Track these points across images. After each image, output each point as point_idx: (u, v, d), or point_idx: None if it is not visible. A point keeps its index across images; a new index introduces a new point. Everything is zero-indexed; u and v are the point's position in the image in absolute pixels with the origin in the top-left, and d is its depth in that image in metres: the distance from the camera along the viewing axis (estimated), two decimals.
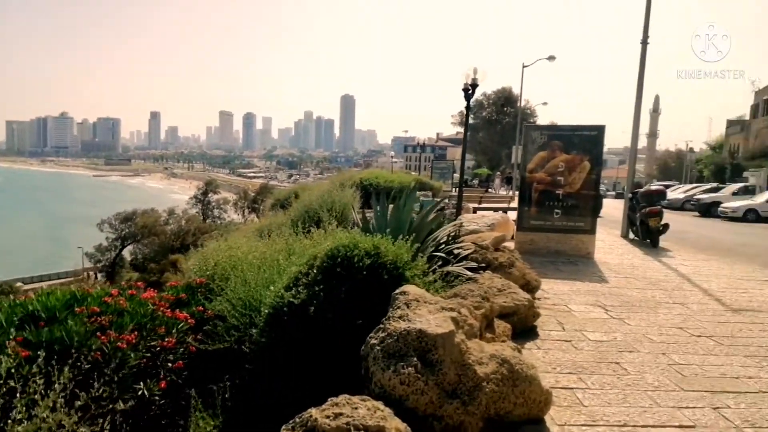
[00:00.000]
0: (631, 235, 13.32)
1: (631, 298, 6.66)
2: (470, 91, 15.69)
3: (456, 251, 5.99)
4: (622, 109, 13.95)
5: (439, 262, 5.43)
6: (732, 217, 24.25)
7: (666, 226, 12.07)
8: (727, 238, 16.03)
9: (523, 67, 36.14)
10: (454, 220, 9.09)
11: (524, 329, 4.95)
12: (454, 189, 23.64)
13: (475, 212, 15.28)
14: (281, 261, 5.20)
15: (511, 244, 9.91)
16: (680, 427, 3.21)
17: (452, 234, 6.48)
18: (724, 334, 5.21)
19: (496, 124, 57.82)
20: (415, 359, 2.75)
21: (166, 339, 4.35)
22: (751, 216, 23.85)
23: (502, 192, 34.50)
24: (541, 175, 10.02)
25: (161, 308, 4.51)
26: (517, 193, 16.42)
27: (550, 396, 3.15)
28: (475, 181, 49.48)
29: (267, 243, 6.52)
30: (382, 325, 3.05)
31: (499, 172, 52.29)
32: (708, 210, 27.20)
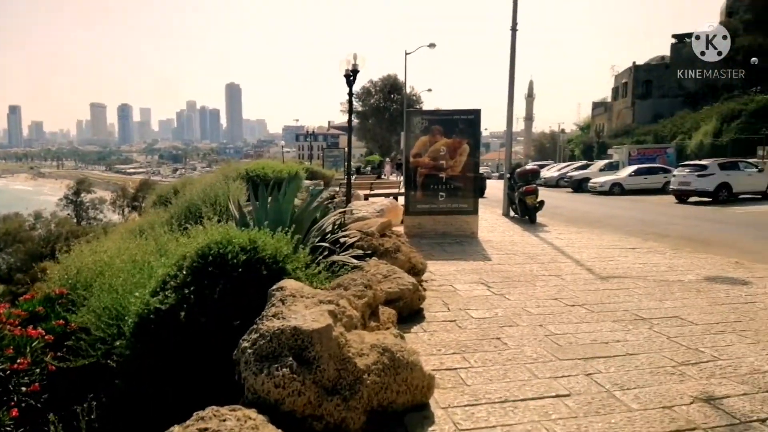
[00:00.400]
0: (512, 213, 14.00)
1: (511, 274, 6.95)
2: (351, 78, 15.61)
3: (342, 240, 5.90)
4: (503, 95, 14.68)
5: (325, 252, 5.30)
6: (600, 192, 26.40)
7: (542, 203, 12.82)
8: (596, 211, 17.42)
9: (406, 54, 36.71)
10: (344, 208, 9.00)
11: (411, 313, 4.96)
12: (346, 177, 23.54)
13: (366, 199, 15.30)
14: (153, 263, 4.80)
15: (400, 229, 10.03)
16: (557, 396, 3.33)
17: (338, 222, 6.37)
18: (595, 302, 5.56)
19: (384, 111, 58.44)
20: (291, 359, 2.60)
21: (18, 360, 3.88)
22: (616, 189, 26.12)
23: (393, 178, 34.99)
24: (425, 160, 10.19)
25: (9, 326, 4.00)
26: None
27: (432, 380, 3.15)
28: (368, 168, 49.80)
29: (139, 244, 6.03)
30: (255, 326, 2.87)
31: (389, 159, 52.95)
32: (579, 186, 29.42)
